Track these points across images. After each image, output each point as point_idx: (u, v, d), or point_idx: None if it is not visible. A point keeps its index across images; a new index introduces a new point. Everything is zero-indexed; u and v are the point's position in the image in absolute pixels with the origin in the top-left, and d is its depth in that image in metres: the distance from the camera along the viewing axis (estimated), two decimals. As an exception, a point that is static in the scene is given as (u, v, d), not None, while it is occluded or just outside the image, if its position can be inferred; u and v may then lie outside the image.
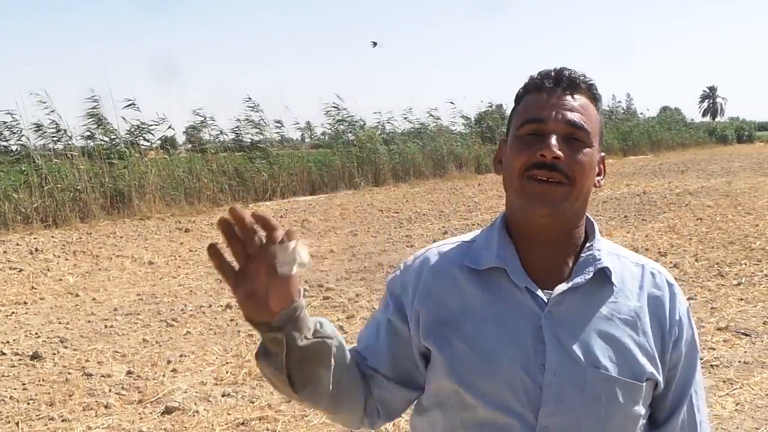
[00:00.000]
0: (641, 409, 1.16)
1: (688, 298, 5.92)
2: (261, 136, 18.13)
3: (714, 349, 4.77)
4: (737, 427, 3.62)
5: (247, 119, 17.98)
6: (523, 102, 1.22)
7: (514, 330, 1.15)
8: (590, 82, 1.21)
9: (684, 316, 1.23)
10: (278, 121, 18.79)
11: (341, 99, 20.23)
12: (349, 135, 19.91)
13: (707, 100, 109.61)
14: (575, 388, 1.12)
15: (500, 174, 1.24)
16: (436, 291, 1.22)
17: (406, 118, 22.88)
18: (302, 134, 23.34)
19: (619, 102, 34.37)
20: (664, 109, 42.68)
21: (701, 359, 4.43)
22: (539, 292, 1.16)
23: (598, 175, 1.23)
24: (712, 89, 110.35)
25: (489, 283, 1.20)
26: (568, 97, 1.17)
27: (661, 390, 1.20)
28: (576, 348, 1.13)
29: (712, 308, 5.69)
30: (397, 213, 12.73)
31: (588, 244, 1.21)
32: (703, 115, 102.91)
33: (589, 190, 1.19)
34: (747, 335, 5.03)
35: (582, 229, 1.23)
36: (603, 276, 1.18)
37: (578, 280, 1.17)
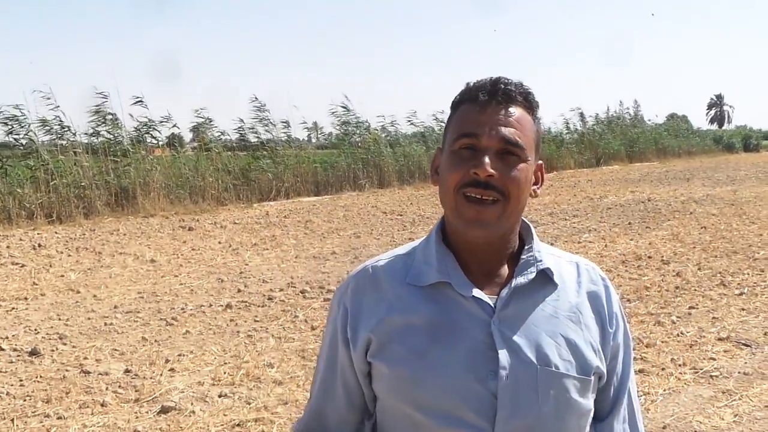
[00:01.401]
0: (590, 404, 1.19)
1: (690, 307, 5.92)
2: (269, 135, 18.17)
3: (714, 359, 4.73)
4: (735, 439, 3.59)
5: (256, 118, 18.03)
6: (458, 113, 1.20)
7: (464, 341, 1.15)
8: (527, 91, 1.19)
9: (618, 308, 1.27)
10: (285, 121, 18.84)
11: (348, 100, 20.26)
12: (355, 137, 19.91)
13: (714, 108, 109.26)
14: (529, 390, 1.12)
15: (436, 185, 1.23)
16: (380, 311, 1.20)
17: (410, 121, 22.93)
18: (309, 134, 23.36)
19: (627, 108, 34.22)
20: (672, 116, 42.55)
21: (702, 370, 4.43)
22: (486, 299, 1.17)
23: (535, 184, 1.23)
24: (719, 97, 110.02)
25: (434, 297, 1.19)
26: (503, 111, 1.16)
27: (603, 382, 1.23)
28: (526, 349, 1.14)
29: (713, 318, 5.65)
30: (400, 215, 12.72)
31: (527, 246, 1.23)
32: (710, 122, 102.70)
33: (525, 202, 1.20)
34: (748, 346, 4.99)
35: (517, 234, 1.25)
36: (544, 276, 1.21)
37: (521, 281, 1.18)
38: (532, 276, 1.19)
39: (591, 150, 27.24)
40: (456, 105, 1.22)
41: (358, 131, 20.12)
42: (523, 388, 1.12)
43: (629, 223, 11.00)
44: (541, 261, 1.21)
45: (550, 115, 44.16)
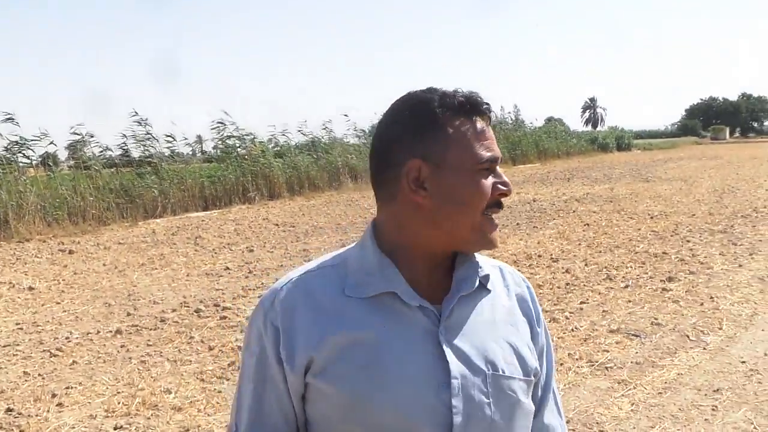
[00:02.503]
0: (532, 403, 1.21)
1: (581, 302, 6.15)
2: (152, 150, 17.51)
3: (608, 351, 4.91)
4: (634, 427, 3.72)
5: (135, 134, 17.36)
6: (467, 127, 1.14)
7: (413, 353, 1.10)
8: None
9: (539, 306, 1.31)
10: (169, 135, 18.25)
11: (228, 114, 19.92)
12: (239, 149, 19.55)
13: (588, 111, 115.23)
14: (482, 397, 1.11)
15: (422, 200, 1.14)
16: (320, 328, 1.11)
17: (300, 131, 22.82)
18: (192, 149, 22.75)
19: (509, 113, 35.50)
20: (549, 119, 44.51)
21: (597, 363, 4.58)
22: (431, 308, 1.14)
23: None
24: (593, 100, 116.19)
25: (378, 309, 1.13)
26: (490, 128, 1.19)
27: (536, 380, 1.26)
28: (474, 356, 1.13)
29: (603, 311, 5.89)
30: (293, 227, 12.56)
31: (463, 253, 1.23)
32: (585, 124, 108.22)
33: None
34: (637, 336, 5.22)
35: None
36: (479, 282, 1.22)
37: (467, 289, 1.17)
38: (476, 284, 1.19)
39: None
40: (446, 116, 1.14)
41: (240, 144, 19.78)
42: (475, 396, 1.11)
43: (518, 224, 11.34)
44: (481, 267, 1.21)
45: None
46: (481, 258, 1.26)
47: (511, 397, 1.14)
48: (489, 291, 1.21)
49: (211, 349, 5.34)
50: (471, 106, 1.15)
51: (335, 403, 1.09)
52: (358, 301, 1.13)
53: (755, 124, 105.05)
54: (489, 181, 1.14)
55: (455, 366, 1.10)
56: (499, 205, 1.16)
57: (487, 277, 1.21)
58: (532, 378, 1.20)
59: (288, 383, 1.12)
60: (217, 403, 4.26)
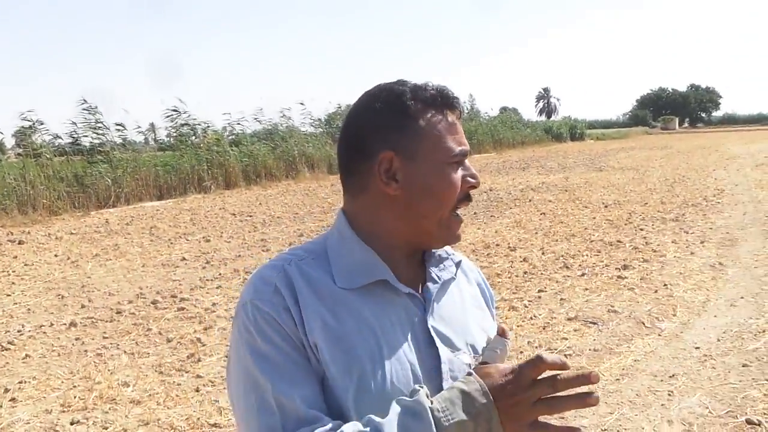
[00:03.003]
0: None
1: (539, 291, 6.22)
2: (102, 139, 17.10)
3: (566, 338, 4.99)
4: (593, 413, 3.78)
5: (86, 122, 16.93)
6: (438, 120, 1.14)
7: (407, 340, 1.12)
8: None
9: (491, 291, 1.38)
10: (120, 124, 17.87)
11: (183, 102, 19.61)
12: (194, 138, 19.26)
13: (542, 101, 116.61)
14: None
15: (395, 192, 1.14)
16: (322, 316, 1.09)
17: (257, 118, 22.61)
18: (146, 137, 22.32)
19: (464, 102, 35.67)
20: (504, 109, 44.94)
21: (556, 350, 4.64)
22: (418, 295, 1.16)
23: None
24: (547, 90, 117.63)
25: (369, 298, 1.13)
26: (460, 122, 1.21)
27: None
28: (458, 341, 1.16)
29: (561, 299, 5.97)
30: (250, 216, 12.44)
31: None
32: (539, 114, 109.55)
33: None
34: (594, 323, 5.31)
35: None
36: None
37: (445, 276, 1.22)
38: (453, 270, 1.24)
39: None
40: (419, 108, 1.14)
41: (194, 133, 19.49)
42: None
43: (475, 213, 11.41)
44: (453, 254, 1.26)
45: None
46: (448, 246, 1.28)
47: None
48: (454, 278, 1.25)
49: (169, 341, 5.26)
50: (442, 100, 1.16)
51: (342, 390, 1.06)
52: (350, 292, 1.13)
53: (703, 115, 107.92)
54: (459, 174, 1.16)
55: (444, 351, 1.13)
56: (468, 198, 1.19)
57: (459, 263, 1.27)
58: None
59: (312, 365, 1.07)
60: (177, 395, 4.20)
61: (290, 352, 1.06)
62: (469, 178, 1.18)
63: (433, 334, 1.14)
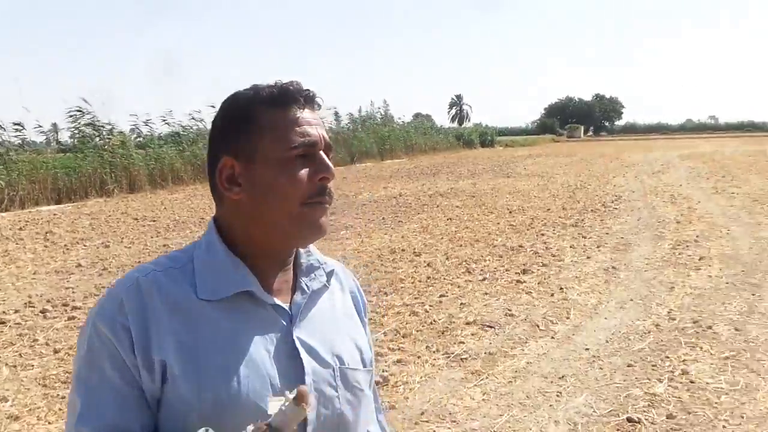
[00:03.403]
0: (371, 393, 1.29)
1: (441, 296, 6.29)
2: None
3: (463, 342, 5.05)
4: (484, 416, 3.83)
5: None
6: (277, 117, 1.12)
7: (269, 353, 1.10)
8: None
9: (365, 300, 1.37)
10: (18, 124, 17.06)
11: (88, 103, 18.89)
12: (98, 140, 18.57)
13: (455, 107, 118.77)
14: (332, 391, 1.15)
15: (237, 197, 1.13)
16: (173, 331, 1.06)
17: (165, 121, 22.02)
18: (47, 138, 21.36)
19: (378, 108, 35.98)
20: (417, 115, 45.56)
21: (453, 354, 4.69)
22: (285, 306, 1.15)
23: None
24: (459, 97, 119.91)
25: (232, 310, 1.11)
26: (316, 115, 1.17)
27: None
28: (323, 352, 1.16)
29: (461, 304, 6.05)
30: (154, 221, 12.08)
31: (306, 251, 1.24)
32: (452, 121, 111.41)
33: None
34: (491, 327, 5.40)
35: None
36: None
37: (315, 285, 1.21)
38: (323, 279, 1.23)
39: (345, 148, 28.13)
40: (258, 109, 1.13)
41: (99, 134, 18.80)
42: (326, 391, 1.14)
43: (383, 219, 11.47)
44: (325, 263, 1.25)
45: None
46: (320, 255, 1.27)
47: (356, 389, 1.19)
48: (327, 287, 1.24)
49: (56, 351, 5.02)
50: (282, 96, 1.14)
51: (188, 409, 1.04)
52: (212, 304, 1.10)
53: (607, 124, 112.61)
54: (305, 169, 1.12)
55: (308, 363, 1.12)
56: (323, 193, 1.13)
57: (332, 273, 1.25)
58: (371, 368, 1.27)
59: (145, 388, 1.05)
60: (60, 409, 4.01)
61: (115, 381, 1.04)
62: (317, 171, 1.13)
63: (299, 345, 1.13)
